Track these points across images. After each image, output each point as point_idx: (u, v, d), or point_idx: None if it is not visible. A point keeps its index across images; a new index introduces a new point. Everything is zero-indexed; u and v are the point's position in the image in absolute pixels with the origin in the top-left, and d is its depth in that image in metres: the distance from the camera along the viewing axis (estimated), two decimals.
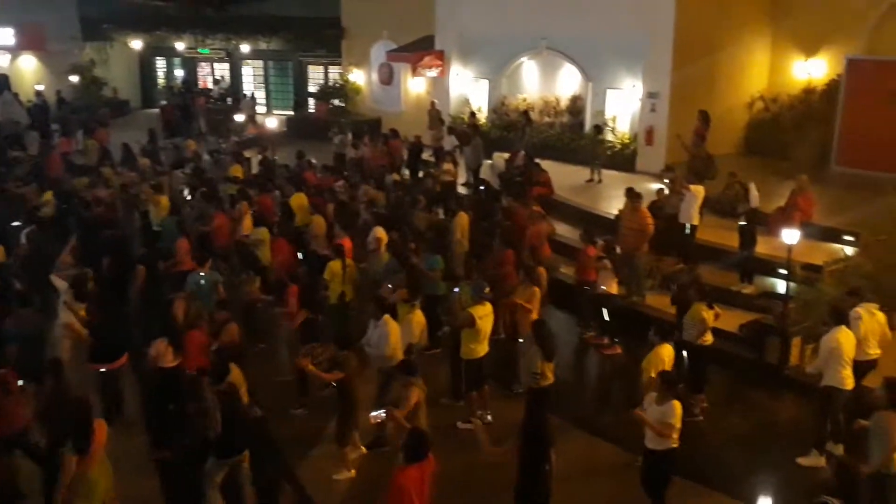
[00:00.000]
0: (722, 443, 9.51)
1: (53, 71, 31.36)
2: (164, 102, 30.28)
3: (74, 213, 14.41)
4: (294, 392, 10.15)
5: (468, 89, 23.41)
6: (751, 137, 19.67)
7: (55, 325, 10.48)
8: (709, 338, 9.91)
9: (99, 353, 9.46)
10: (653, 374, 8.08)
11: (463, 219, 13.55)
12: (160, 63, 34.59)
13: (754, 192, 12.72)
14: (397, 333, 9.36)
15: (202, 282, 10.92)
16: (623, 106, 19.87)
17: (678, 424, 7.44)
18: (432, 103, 23.15)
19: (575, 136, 20.64)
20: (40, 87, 30.04)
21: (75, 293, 10.08)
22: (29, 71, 31.98)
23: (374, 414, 7.86)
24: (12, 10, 28.63)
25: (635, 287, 12.69)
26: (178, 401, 8.54)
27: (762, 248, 12.49)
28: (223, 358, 8.22)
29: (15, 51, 31.49)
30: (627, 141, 19.62)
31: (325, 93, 28.72)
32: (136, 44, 32.12)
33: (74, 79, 30.96)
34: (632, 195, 12.90)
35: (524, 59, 22.23)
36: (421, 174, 18.73)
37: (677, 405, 7.47)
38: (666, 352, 8.65)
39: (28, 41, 31.12)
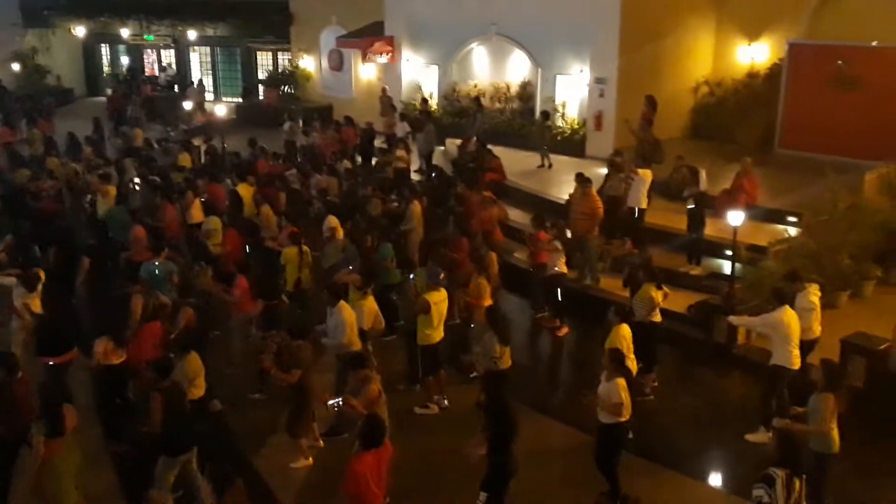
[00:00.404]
0: (672, 421, 9.72)
1: None
2: (109, 91, 29.66)
3: (18, 205, 14.07)
4: (247, 381, 10.12)
5: (419, 75, 23.37)
6: (696, 121, 20.00)
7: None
8: (657, 317, 10.13)
9: (47, 346, 9.31)
10: None
11: (417, 206, 13.61)
12: (105, 50, 33.84)
13: (703, 177, 12.97)
14: (353, 319, 9.37)
15: (157, 271, 10.81)
16: (572, 92, 20.04)
17: (623, 401, 7.62)
18: (383, 90, 23.08)
19: (525, 122, 20.75)
20: None
21: (26, 285, 9.90)
22: None
23: (330, 402, 7.88)
24: None
25: (588, 270, 12.88)
26: (126, 395, 8.52)
27: (709, 230, 12.76)
28: (167, 355, 8.12)
29: None
30: (577, 126, 19.81)
31: (275, 79, 28.46)
32: (80, 30, 31.39)
33: (16, 67, 30.18)
34: (581, 180, 13.06)
35: (474, 45, 22.25)
36: (374, 161, 18.70)
37: (621, 382, 7.66)
38: (624, 331, 8.83)
39: None
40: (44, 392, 7.29)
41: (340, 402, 7.51)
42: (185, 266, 11.91)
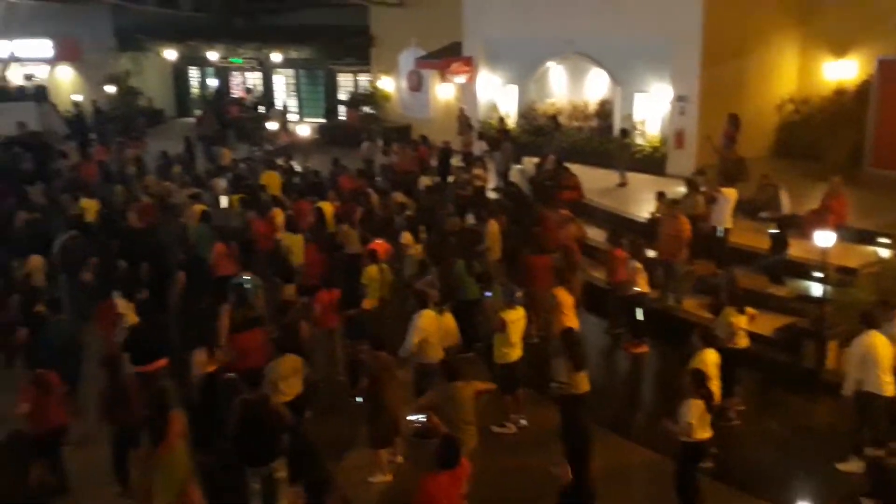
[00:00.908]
0: (759, 447, 9.46)
1: (90, 81, 32.01)
2: (198, 112, 30.65)
3: (114, 221, 14.66)
4: (327, 393, 10.33)
5: (497, 94, 23.48)
6: (781, 140, 19.52)
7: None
8: (742, 341, 9.88)
9: (138, 355, 9.65)
10: None
11: (494, 225, 13.64)
12: (194, 73, 35.07)
13: (785, 197, 12.65)
14: (431, 328, 9.46)
15: (245, 285, 11.11)
16: (652, 109, 19.83)
17: (694, 422, 7.53)
18: (461, 109, 23.27)
19: (604, 139, 20.63)
20: (77, 98, 30.67)
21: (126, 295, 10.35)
22: (66, 82, 32.69)
23: (411, 418, 7.92)
24: (50, 22, 29.29)
25: (672, 291, 12.67)
26: (217, 405, 8.76)
27: (796, 250, 12.42)
28: (259, 368, 8.33)
29: (53, 62, 32.21)
30: (657, 144, 19.58)
31: (355, 100, 28.98)
32: (170, 54, 32.59)
33: (110, 89, 31.51)
34: (670, 202, 12.90)
35: (552, 63, 22.26)
36: (451, 179, 18.85)
37: (694, 403, 7.56)
38: (709, 357, 8.65)
39: (65, 52, 31.84)
40: (152, 397, 7.63)
41: (423, 419, 7.53)
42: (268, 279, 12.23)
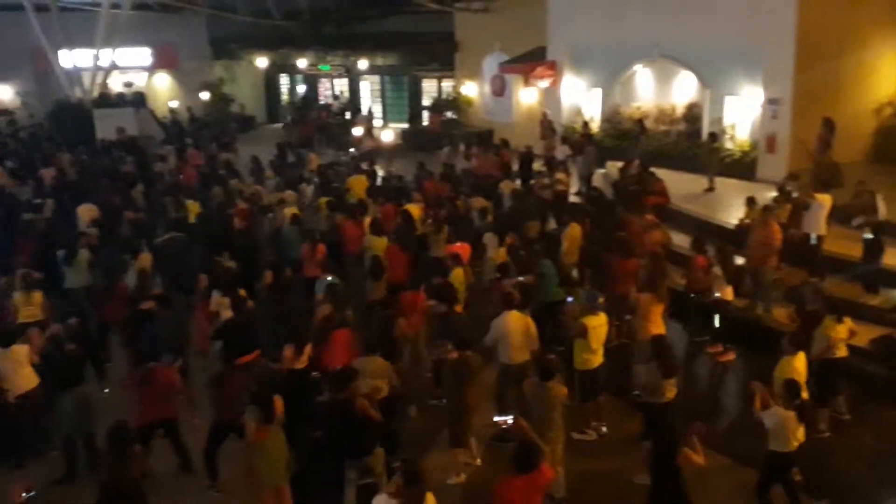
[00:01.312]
0: (850, 462, 9.14)
1: (185, 88, 33.27)
2: (288, 118, 31.43)
3: (213, 223, 15.17)
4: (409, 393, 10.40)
5: (581, 98, 23.33)
6: (879, 144, 18.76)
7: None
8: (841, 351, 9.54)
9: (231, 349, 9.99)
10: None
11: (574, 230, 13.54)
12: (284, 80, 35.99)
13: (881, 203, 12.18)
14: (514, 329, 9.48)
15: (324, 288, 11.35)
16: (742, 112, 19.36)
17: (789, 433, 7.39)
18: (544, 113, 23.20)
19: (691, 144, 20.25)
20: (174, 104, 31.88)
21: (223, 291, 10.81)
22: (163, 88, 34.03)
23: (498, 418, 7.92)
24: (148, 31, 30.54)
25: (761, 300, 12.36)
26: (304, 400, 9.00)
27: (892, 258, 11.94)
28: (347, 368, 8.52)
29: (151, 70, 33.59)
30: (747, 149, 19.10)
31: (439, 105, 29.22)
32: (262, 61, 33.54)
33: (205, 95, 32.61)
34: (761, 208, 12.60)
35: (638, 66, 22.00)
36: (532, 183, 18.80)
37: (790, 415, 7.42)
38: (798, 362, 8.43)
39: (162, 60, 33.17)
40: (257, 383, 7.93)
41: (510, 420, 7.52)
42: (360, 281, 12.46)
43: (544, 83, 23.78)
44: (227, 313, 10.45)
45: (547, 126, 22.26)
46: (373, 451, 7.81)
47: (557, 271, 11.76)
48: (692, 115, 21.01)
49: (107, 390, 10.35)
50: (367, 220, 14.23)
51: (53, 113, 27.95)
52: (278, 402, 7.62)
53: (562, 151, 19.95)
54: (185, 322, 11.14)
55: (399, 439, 8.36)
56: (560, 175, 17.86)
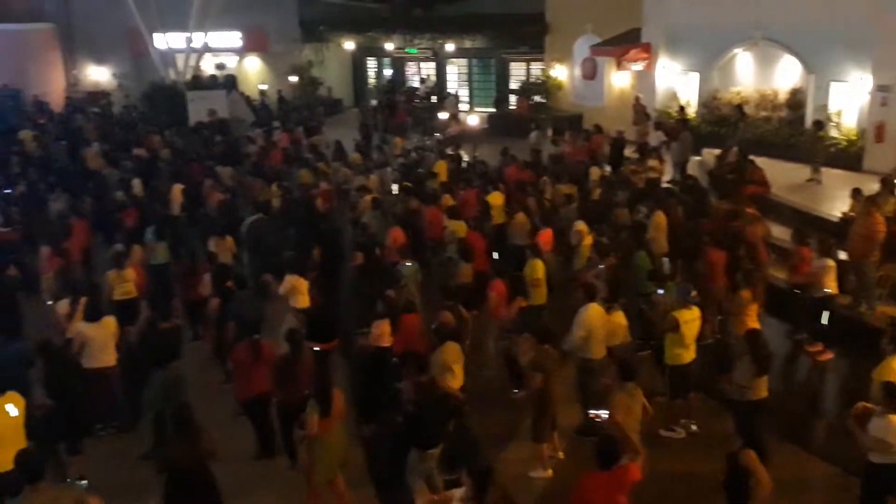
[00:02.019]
0: None
1: (275, 71, 33.67)
2: (374, 101, 31.47)
3: (298, 205, 15.23)
4: (495, 383, 10.26)
5: (676, 83, 22.53)
6: None
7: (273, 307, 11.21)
8: None
9: (316, 333, 9.96)
10: None
11: (659, 218, 12.98)
12: (371, 63, 36.09)
13: None
14: (596, 323, 9.16)
15: (405, 272, 11.26)
16: (849, 99, 18.28)
17: (891, 439, 6.81)
18: (637, 98, 22.52)
19: (794, 131, 19.28)
20: (263, 87, 32.34)
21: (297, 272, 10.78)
22: (253, 71, 34.56)
23: (594, 412, 7.69)
24: (239, 14, 30.99)
25: (864, 297, 11.59)
26: (385, 381, 8.87)
27: None
28: (426, 353, 8.35)
29: (241, 53, 34.15)
30: (854, 138, 18.03)
31: (526, 89, 28.76)
32: (349, 45, 33.68)
33: (293, 79, 32.97)
34: (865, 199, 11.81)
35: (738, 50, 21.07)
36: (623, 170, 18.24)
37: (891, 419, 6.84)
38: None
39: (253, 43, 33.66)
40: (317, 376, 7.90)
41: (604, 415, 7.27)
42: (436, 265, 12.29)
43: (638, 66, 23.09)
44: (303, 297, 10.36)
45: (640, 111, 21.61)
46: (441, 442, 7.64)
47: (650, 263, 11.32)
48: (795, 101, 20.00)
49: None
50: (449, 204, 14.03)
51: (147, 94, 28.69)
52: (338, 396, 7.55)
53: (655, 137, 19.35)
54: (263, 302, 11.11)
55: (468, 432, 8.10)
56: (653, 162, 17.27)
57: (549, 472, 8.68)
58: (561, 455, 8.91)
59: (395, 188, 16.95)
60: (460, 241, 12.12)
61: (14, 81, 30.79)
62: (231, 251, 12.39)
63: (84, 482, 8.36)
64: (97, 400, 9.23)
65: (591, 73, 26.16)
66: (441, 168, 17.74)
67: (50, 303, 11.83)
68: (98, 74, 34.16)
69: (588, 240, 12.41)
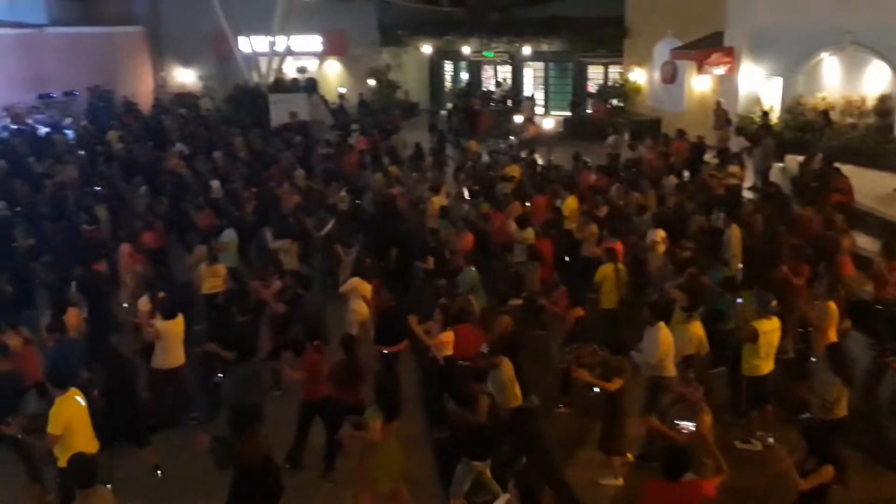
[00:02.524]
0: None
1: (354, 75, 34.13)
2: (449, 105, 31.59)
3: (370, 209, 15.41)
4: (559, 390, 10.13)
5: (759, 87, 21.95)
6: None
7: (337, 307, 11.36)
8: None
9: (384, 336, 10.06)
10: None
11: (734, 231, 12.66)
12: (448, 67, 36.26)
13: None
14: (669, 343, 8.94)
15: (468, 278, 11.27)
16: None
17: None
18: (718, 103, 22.03)
19: (882, 139, 18.56)
20: (342, 90, 32.83)
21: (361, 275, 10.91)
22: (333, 75, 35.10)
23: (681, 423, 7.54)
24: (320, 18, 31.52)
25: None
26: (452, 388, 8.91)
27: None
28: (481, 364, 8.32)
29: (322, 56, 34.74)
30: None
31: (603, 93, 28.46)
32: (427, 48, 33.90)
33: (371, 82, 33.37)
34: None
35: (824, 54, 20.40)
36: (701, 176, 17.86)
37: None
38: None
39: (333, 47, 34.19)
40: (381, 380, 7.91)
41: (692, 427, 7.11)
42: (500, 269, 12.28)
43: (719, 70, 22.61)
44: (365, 300, 10.49)
45: (721, 116, 21.13)
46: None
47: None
48: (884, 108, 19.26)
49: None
50: (519, 210, 13.96)
51: (231, 97, 29.43)
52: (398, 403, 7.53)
53: (737, 143, 18.90)
54: (326, 304, 11.26)
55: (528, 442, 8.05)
56: (734, 168, 16.88)
57: (620, 480, 8.56)
58: (630, 457, 8.75)
59: (466, 192, 16.97)
60: (529, 247, 12.06)
61: (105, 83, 32.01)
62: (297, 254, 12.58)
63: (158, 472, 8.68)
64: (170, 397, 9.51)
65: (671, 77, 25.74)
66: (513, 172, 17.69)
67: (125, 303, 12.32)
68: (184, 77, 35.23)
69: (662, 248, 12.21)
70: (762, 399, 9.15)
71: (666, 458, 6.21)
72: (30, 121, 28.03)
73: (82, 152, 21.52)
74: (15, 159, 20.15)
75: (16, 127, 26.48)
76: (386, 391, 7.57)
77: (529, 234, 13.10)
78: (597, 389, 8.84)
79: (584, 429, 9.39)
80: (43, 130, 26.11)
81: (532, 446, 8.16)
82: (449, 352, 9.31)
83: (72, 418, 7.24)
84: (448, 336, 9.29)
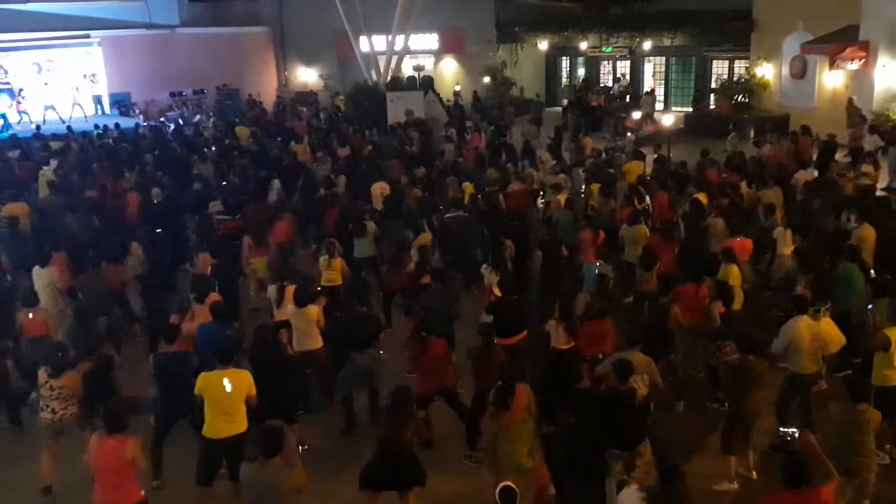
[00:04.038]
0: None
1: (469, 72, 34.36)
2: (565, 101, 31.38)
3: (487, 203, 15.50)
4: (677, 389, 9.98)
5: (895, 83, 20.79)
6: None
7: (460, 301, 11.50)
8: None
9: (501, 327, 10.10)
10: None
11: (866, 231, 11.99)
12: (564, 62, 35.98)
13: None
14: (804, 336, 8.66)
15: (595, 272, 11.14)
16: None
17: None
18: (850, 99, 20.99)
19: None
20: (458, 88, 33.11)
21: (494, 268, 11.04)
22: (449, 72, 35.44)
23: (783, 431, 7.33)
24: (438, 17, 31.90)
25: None
26: (567, 382, 8.88)
27: None
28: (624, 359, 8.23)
29: (438, 54, 35.13)
30: None
31: (728, 88, 27.62)
32: (543, 45, 33.74)
33: (486, 79, 33.49)
34: None
35: None
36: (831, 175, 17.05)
37: None
38: None
39: (449, 45, 34.55)
40: (502, 369, 8.01)
41: (795, 434, 6.90)
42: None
43: (853, 65, 21.53)
44: (497, 291, 10.57)
45: (854, 113, 20.12)
46: (640, 443, 7.52)
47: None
48: None
49: (382, 352, 10.93)
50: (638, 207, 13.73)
51: (351, 95, 30.18)
52: (522, 390, 7.57)
53: (871, 142, 17.95)
54: (456, 296, 11.41)
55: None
56: (867, 168, 16.02)
57: (735, 485, 8.33)
58: (754, 475, 8.49)
59: (583, 188, 16.81)
60: (644, 248, 11.85)
61: (232, 81, 33.41)
62: (428, 246, 12.80)
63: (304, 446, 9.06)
64: (306, 380, 9.85)
65: (801, 72, 24.74)
66: (632, 169, 17.40)
67: (252, 292, 12.83)
68: (306, 76, 36.37)
69: (789, 248, 11.76)
70: (893, 411, 8.69)
71: (786, 466, 6.02)
72: (162, 119, 29.66)
73: (214, 148, 22.59)
74: (161, 152, 21.32)
75: (150, 123, 28.04)
76: (504, 381, 7.63)
77: (642, 230, 12.87)
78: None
79: (703, 434, 9.18)
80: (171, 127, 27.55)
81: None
82: (563, 345, 9.27)
83: (205, 391, 7.71)
84: (559, 331, 9.24)
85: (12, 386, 10.16)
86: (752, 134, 20.70)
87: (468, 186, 16.16)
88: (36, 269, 11.63)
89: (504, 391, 7.49)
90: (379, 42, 30.27)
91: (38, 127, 26.20)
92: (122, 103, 31.76)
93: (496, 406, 7.44)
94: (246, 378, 7.88)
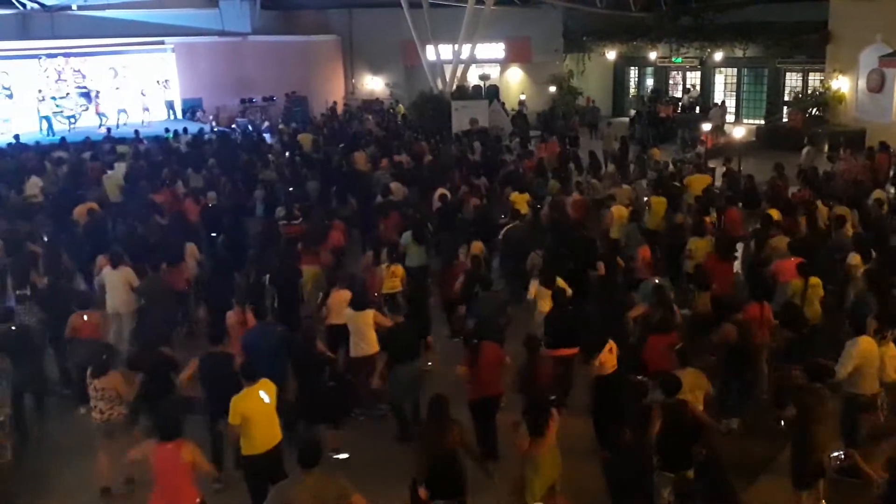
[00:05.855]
0: None
1: (535, 81, 34.18)
2: (632, 112, 30.90)
3: (549, 214, 15.27)
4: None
5: None
6: None
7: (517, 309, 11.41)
8: None
9: (552, 339, 9.92)
10: None
11: None
12: (632, 73, 35.48)
13: None
14: (870, 357, 8.38)
15: (650, 289, 10.84)
16: None
17: None
18: None
19: None
20: (523, 97, 32.92)
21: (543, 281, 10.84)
22: (514, 82, 35.31)
23: (834, 455, 6.97)
24: (505, 25, 31.84)
25: None
26: (619, 402, 8.64)
27: None
28: (674, 374, 7.98)
29: (504, 63, 35.03)
30: None
31: (802, 101, 26.83)
32: (611, 54, 33.33)
33: (552, 89, 33.23)
34: None
35: None
36: None
37: None
38: None
39: (515, 54, 34.44)
40: (532, 390, 7.94)
41: (842, 456, 6.60)
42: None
43: None
44: (546, 304, 10.39)
45: None
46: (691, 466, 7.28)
47: None
48: None
49: (430, 363, 10.82)
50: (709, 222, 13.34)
51: (416, 104, 30.28)
52: (555, 416, 7.36)
53: None
54: (506, 304, 11.28)
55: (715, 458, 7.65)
56: None
57: None
58: (822, 503, 8.12)
59: (646, 201, 16.44)
60: (696, 266, 11.50)
61: (300, 89, 33.89)
62: (481, 254, 12.69)
63: (343, 455, 8.98)
64: (358, 386, 9.83)
65: (879, 85, 23.90)
66: (699, 182, 16.92)
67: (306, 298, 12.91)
68: (373, 84, 36.67)
69: (861, 268, 11.26)
70: None
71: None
72: (233, 125, 30.23)
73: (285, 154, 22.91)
74: (227, 157, 21.72)
75: (221, 129, 28.58)
76: (534, 402, 7.48)
77: (705, 244, 12.46)
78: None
79: (769, 455, 8.91)
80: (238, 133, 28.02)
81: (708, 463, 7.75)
82: (608, 370, 9.04)
83: (248, 411, 7.62)
84: (606, 355, 9.00)
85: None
86: (826, 148, 19.95)
87: (523, 196, 15.90)
88: (107, 270, 11.85)
89: (536, 414, 7.28)
90: (445, 51, 30.33)
91: (108, 129, 26.99)
92: (193, 108, 32.50)
93: (531, 432, 7.21)
94: (273, 387, 7.89)
